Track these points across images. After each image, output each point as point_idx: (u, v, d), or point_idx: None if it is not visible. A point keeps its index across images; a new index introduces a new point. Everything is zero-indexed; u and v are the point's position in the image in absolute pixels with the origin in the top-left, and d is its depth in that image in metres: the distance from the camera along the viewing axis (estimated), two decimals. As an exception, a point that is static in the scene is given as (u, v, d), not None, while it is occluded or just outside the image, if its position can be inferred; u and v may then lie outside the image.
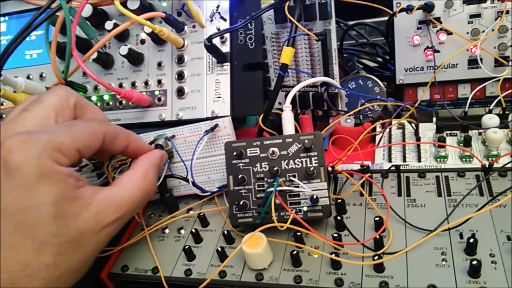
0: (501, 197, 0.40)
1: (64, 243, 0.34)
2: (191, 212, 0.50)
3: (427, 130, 0.55)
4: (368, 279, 0.38)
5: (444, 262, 0.37)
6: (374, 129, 0.55)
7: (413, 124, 0.54)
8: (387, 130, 0.56)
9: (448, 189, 0.44)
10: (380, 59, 0.71)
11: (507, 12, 0.52)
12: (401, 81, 0.58)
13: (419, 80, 0.57)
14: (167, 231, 0.49)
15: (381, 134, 0.54)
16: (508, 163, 0.43)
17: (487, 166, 0.44)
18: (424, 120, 0.56)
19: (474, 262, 0.35)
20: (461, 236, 0.39)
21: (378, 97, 0.58)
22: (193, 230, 0.46)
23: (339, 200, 0.44)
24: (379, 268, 0.38)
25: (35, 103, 0.38)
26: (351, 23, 0.74)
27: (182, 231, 0.48)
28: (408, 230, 0.41)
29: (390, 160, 0.53)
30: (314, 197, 0.41)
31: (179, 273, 0.43)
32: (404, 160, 0.52)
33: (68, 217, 0.34)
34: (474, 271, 0.35)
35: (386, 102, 0.55)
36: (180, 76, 0.54)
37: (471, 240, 0.37)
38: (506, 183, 0.43)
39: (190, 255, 0.44)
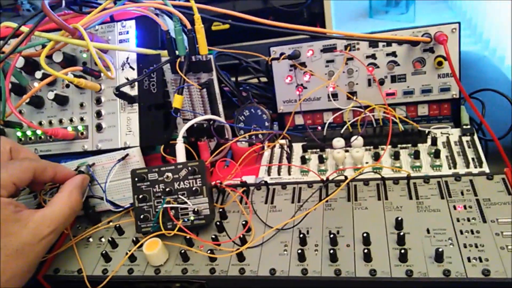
0: (330, 201, 0.57)
1: (9, 254, 0.47)
2: (111, 223, 0.64)
3: (299, 148, 0.71)
4: (233, 267, 0.53)
5: (285, 252, 0.53)
6: (263, 148, 0.70)
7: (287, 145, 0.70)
8: (270, 149, 0.72)
9: (299, 197, 0.60)
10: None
11: (351, 59, 0.68)
12: (281, 110, 0.74)
13: (293, 109, 0.73)
14: (91, 240, 0.62)
15: (263, 153, 0.70)
16: (337, 176, 0.60)
17: (325, 179, 0.60)
18: (298, 141, 0.72)
19: (299, 251, 0.51)
20: (300, 232, 0.55)
21: (266, 123, 0.73)
22: (110, 239, 0.59)
23: (220, 209, 0.59)
24: (241, 258, 0.53)
25: None
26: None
27: (103, 239, 0.61)
28: (267, 229, 0.57)
29: (269, 174, 0.68)
30: (195, 209, 0.56)
31: (98, 272, 0.57)
32: (279, 174, 0.67)
33: (11, 234, 0.47)
34: (301, 257, 0.51)
35: (264, 131, 0.70)
36: (99, 114, 0.66)
37: (301, 235, 0.52)
38: (340, 192, 0.59)
39: (107, 258, 0.58)
